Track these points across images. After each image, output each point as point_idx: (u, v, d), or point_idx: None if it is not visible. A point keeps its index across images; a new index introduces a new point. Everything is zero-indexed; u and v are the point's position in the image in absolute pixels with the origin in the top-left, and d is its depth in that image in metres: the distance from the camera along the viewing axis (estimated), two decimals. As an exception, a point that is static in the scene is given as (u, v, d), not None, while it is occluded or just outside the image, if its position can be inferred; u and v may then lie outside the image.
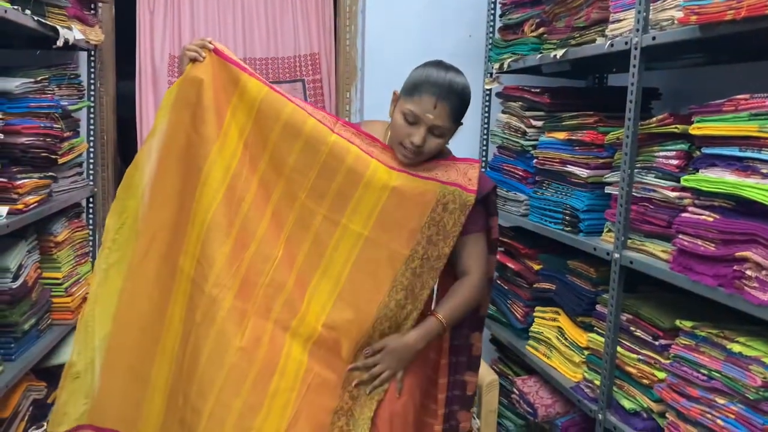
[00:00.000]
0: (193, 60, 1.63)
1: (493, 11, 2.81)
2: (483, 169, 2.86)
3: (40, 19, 2.03)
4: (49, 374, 2.38)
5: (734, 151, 1.49)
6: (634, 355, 1.82)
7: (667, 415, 1.68)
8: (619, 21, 1.90)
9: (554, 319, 2.27)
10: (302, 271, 1.68)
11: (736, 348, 1.47)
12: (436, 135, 1.66)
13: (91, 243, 2.70)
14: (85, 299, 2.48)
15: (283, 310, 1.65)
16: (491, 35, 2.80)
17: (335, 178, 1.66)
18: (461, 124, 1.74)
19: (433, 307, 1.77)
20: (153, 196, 1.66)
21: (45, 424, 2.21)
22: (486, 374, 2.37)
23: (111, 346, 1.68)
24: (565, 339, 2.19)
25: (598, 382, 1.95)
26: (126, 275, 1.68)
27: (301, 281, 1.67)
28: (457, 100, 1.66)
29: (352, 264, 1.67)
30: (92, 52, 2.67)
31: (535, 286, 2.41)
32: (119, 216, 1.69)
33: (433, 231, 1.67)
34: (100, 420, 1.69)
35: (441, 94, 1.62)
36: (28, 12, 1.96)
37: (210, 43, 1.65)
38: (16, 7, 1.89)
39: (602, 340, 1.94)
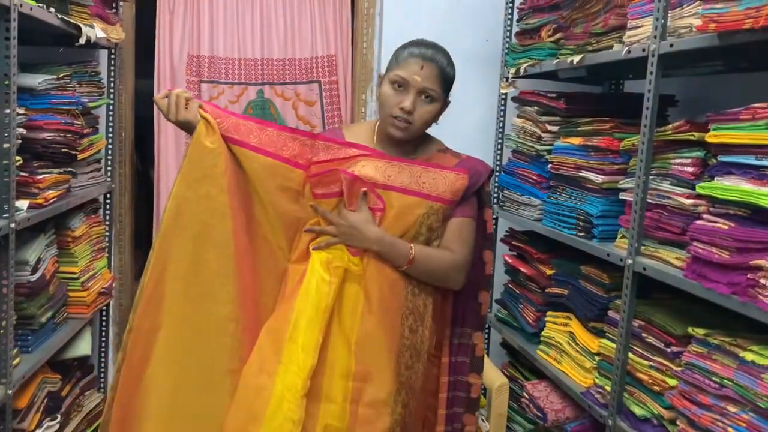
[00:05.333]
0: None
1: (510, 16, 2.81)
2: (497, 174, 2.87)
3: (63, 17, 2.07)
4: (64, 367, 2.41)
5: (750, 160, 1.49)
6: (646, 362, 1.82)
7: (677, 422, 1.68)
8: (636, 28, 1.91)
9: (566, 324, 2.27)
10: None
11: (748, 356, 1.46)
12: (426, 100, 1.64)
13: (107, 239, 2.74)
14: (100, 294, 2.52)
15: (311, 382, 1.57)
16: (508, 40, 2.81)
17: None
18: (449, 102, 1.73)
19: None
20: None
21: (58, 415, 2.24)
22: (496, 378, 2.37)
23: None
24: (577, 344, 2.19)
25: (608, 388, 1.95)
26: None
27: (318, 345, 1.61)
28: (443, 63, 1.66)
29: (361, 307, 1.62)
30: (113, 51, 2.70)
31: (547, 290, 2.41)
32: None
33: None
34: None
35: (426, 56, 1.63)
36: (52, 10, 1.99)
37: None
38: (41, 5, 1.92)
39: (614, 346, 1.94)
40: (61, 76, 2.17)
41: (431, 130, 1.79)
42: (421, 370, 1.69)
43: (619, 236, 2.02)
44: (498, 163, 2.89)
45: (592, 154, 2.14)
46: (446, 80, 1.68)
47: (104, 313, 2.81)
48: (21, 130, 1.89)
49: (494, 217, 2.90)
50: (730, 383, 1.50)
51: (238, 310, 1.61)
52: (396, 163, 1.66)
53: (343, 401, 1.59)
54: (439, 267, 1.68)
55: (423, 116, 1.66)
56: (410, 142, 1.73)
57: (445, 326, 1.80)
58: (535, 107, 2.51)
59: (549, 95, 2.43)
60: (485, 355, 2.65)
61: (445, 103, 1.72)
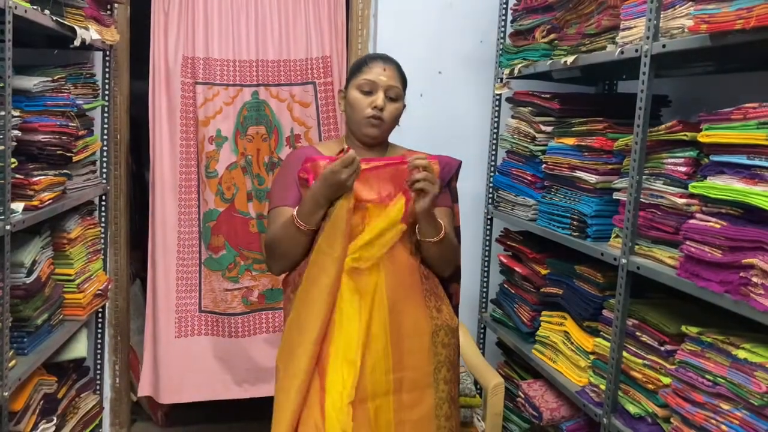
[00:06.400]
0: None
1: (504, 17, 2.83)
2: (492, 174, 2.88)
3: (58, 19, 2.06)
4: (60, 369, 2.41)
5: (742, 159, 1.51)
6: (640, 360, 1.83)
7: (671, 420, 1.69)
8: (629, 28, 1.92)
9: (561, 324, 2.28)
10: (349, 338, 1.67)
11: (741, 354, 1.48)
12: (392, 98, 1.80)
13: (102, 241, 2.74)
14: (95, 296, 2.52)
15: (352, 387, 1.63)
16: (502, 41, 2.82)
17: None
18: (405, 105, 1.87)
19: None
20: None
21: (54, 418, 2.24)
22: (491, 377, 2.39)
23: None
24: (572, 343, 2.20)
25: (603, 387, 1.96)
26: None
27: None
28: (398, 65, 1.85)
29: (387, 301, 1.69)
30: (107, 52, 2.70)
31: (542, 290, 2.42)
32: None
33: (410, 232, 1.77)
34: None
35: (385, 59, 1.85)
36: (47, 12, 1.99)
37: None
38: (35, 7, 1.92)
39: (608, 344, 1.95)
40: (56, 78, 2.17)
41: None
42: (458, 345, 1.81)
43: (613, 236, 2.03)
44: (492, 163, 2.90)
45: (586, 154, 2.16)
46: (403, 80, 1.86)
47: (100, 315, 2.81)
48: (16, 132, 1.89)
49: (489, 217, 2.92)
50: (723, 381, 1.51)
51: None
52: (373, 163, 1.76)
53: (385, 394, 1.67)
54: (452, 247, 1.83)
55: (392, 113, 1.81)
56: (381, 145, 1.87)
57: None
58: (530, 108, 2.52)
59: (543, 96, 2.45)
60: (481, 354, 2.67)
61: (403, 101, 1.87)
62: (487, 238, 2.94)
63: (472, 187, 2.97)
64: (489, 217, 2.92)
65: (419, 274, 1.76)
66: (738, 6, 1.47)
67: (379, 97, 1.77)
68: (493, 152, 2.91)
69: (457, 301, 1.93)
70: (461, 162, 1.92)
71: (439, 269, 1.83)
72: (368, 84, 1.78)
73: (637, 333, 1.85)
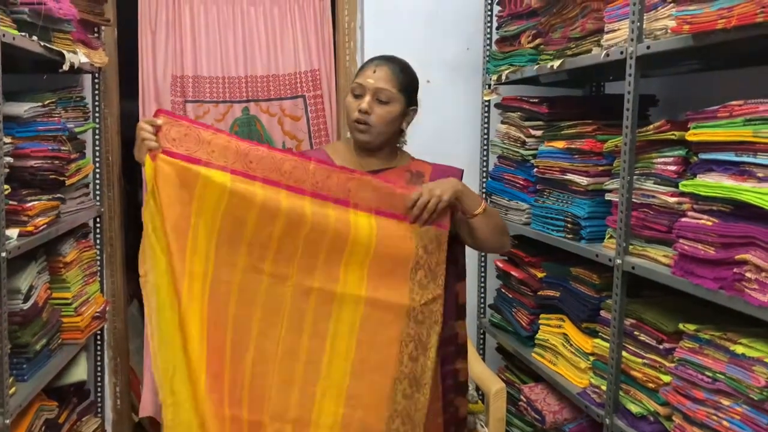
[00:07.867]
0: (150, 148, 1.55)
1: (489, 24, 2.85)
2: (485, 180, 2.89)
3: (46, 44, 2.07)
4: (61, 393, 2.40)
5: (730, 156, 1.52)
6: (639, 360, 1.84)
7: (673, 417, 1.69)
8: (613, 31, 1.94)
9: (559, 326, 2.29)
10: (310, 359, 1.64)
11: (739, 350, 1.49)
12: (383, 101, 1.74)
13: (98, 263, 2.73)
14: (93, 318, 2.51)
15: (299, 407, 1.62)
16: (488, 48, 2.84)
17: (321, 250, 1.64)
18: (415, 109, 1.81)
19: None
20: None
21: (57, 443, 2.24)
22: (493, 382, 2.39)
23: None
24: (571, 345, 2.21)
25: (604, 388, 1.97)
26: None
27: (308, 369, 1.64)
28: (397, 66, 1.78)
29: (358, 332, 1.64)
30: (96, 75, 2.71)
31: (539, 293, 2.43)
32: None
33: (421, 275, 1.70)
34: None
35: (379, 61, 1.78)
36: (35, 38, 1.99)
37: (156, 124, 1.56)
38: (23, 33, 1.93)
39: (607, 345, 1.95)
40: (46, 102, 2.17)
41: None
42: (423, 402, 1.69)
43: (607, 237, 2.04)
44: (484, 169, 2.92)
45: (576, 156, 2.17)
46: (400, 82, 1.77)
47: (99, 337, 2.80)
48: (8, 158, 1.89)
49: (483, 222, 2.92)
50: (722, 377, 1.52)
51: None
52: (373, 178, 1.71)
53: (330, 427, 1.62)
54: (500, 220, 1.82)
55: (382, 116, 1.74)
56: (383, 151, 1.82)
57: None
58: (518, 113, 2.53)
59: (531, 100, 2.46)
60: (482, 360, 2.67)
61: (409, 109, 1.81)
62: (483, 243, 2.95)
63: (465, 193, 2.98)
64: (483, 222, 2.93)
65: (405, 318, 1.67)
66: (719, 6, 1.48)
67: (364, 101, 1.73)
68: (485, 158, 2.93)
69: (464, 300, 1.88)
70: (462, 171, 1.88)
71: (497, 241, 1.79)
72: (358, 87, 1.76)
73: (636, 332, 1.86)
